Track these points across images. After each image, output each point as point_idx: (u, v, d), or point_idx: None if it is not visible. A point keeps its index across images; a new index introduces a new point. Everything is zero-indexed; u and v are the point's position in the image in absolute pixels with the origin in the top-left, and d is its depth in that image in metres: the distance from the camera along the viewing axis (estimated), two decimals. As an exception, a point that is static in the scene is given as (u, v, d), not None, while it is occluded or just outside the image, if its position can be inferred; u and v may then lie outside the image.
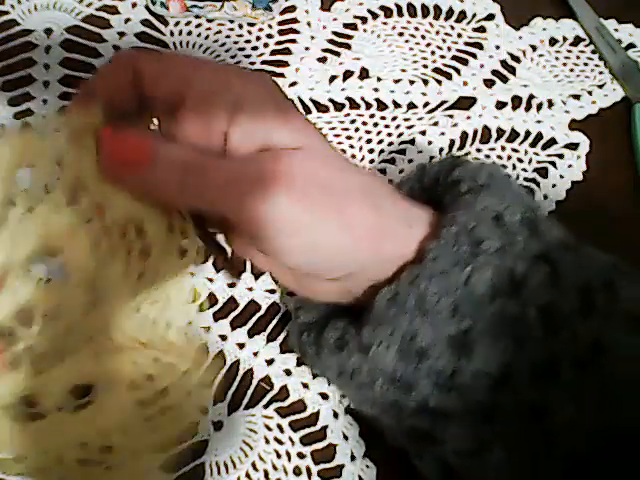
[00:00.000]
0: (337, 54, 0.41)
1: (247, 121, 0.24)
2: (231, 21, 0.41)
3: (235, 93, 0.25)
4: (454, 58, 0.43)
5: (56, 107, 0.36)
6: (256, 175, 0.24)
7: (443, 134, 0.40)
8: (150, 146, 0.24)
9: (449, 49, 0.43)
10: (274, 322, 0.34)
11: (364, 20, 0.43)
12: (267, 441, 0.31)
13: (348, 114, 0.40)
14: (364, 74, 0.41)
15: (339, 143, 0.39)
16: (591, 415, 0.25)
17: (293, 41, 0.41)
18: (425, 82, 0.42)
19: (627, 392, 0.26)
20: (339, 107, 0.40)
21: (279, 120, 0.25)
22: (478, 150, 0.40)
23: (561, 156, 0.41)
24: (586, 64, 0.44)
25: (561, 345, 0.25)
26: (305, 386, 0.33)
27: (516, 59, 0.43)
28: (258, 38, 0.41)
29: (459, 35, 0.43)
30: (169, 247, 0.25)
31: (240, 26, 0.41)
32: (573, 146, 0.41)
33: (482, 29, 0.44)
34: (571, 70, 0.44)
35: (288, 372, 0.33)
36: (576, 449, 0.25)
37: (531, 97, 0.42)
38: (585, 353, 0.25)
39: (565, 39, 0.45)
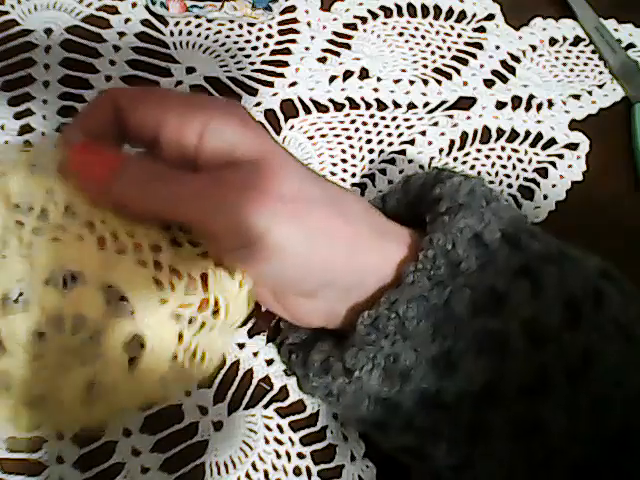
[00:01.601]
0: (337, 54, 0.41)
1: (213, 136, 0.25)
2: (231, 21, 0.41)
3: (200, 119, 0.26)
4: (454, 58, 0.43)
5: (56, 107, 0.36)
6: (219, 185, 0.25)
7: (443, 134, 0.40)
8: (116, 155, 0.26)
9: (449, 49, 0.43)
10: (274, 322, 0.34)
11: (364, 20, 0.43)
12: (267, 441, 0.31)
13: (348, 114, 0.40)
14: (364, 74, 0.41)
15: (339, 143, 0.39)
16: (585, 424, 0.25)
17: (293, 41, 0.41)
18: (425, 82, 0.42)
19: (618, 399, 0.26)
20: (339, 107, 0.40)
21: (243, 134, 0.26)
22: (478, 150, 0.40)
23: (561, 156, 0.41)
24: (586, 64, 0.44)
25: (549, 358, 0.26)
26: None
27: (516, 59, 0.43)
28: (258, 38, 0.41)
29: (459, 35, 0.43)
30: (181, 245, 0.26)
31: (240, 26, 0.41)
32: (573, 146, 0.41)
33: (482, 29, 0.44)
34: (571, 70, 0.44)
35: (288, 372, 0.33)
36: (575, 458, 0.26)
37: (531, 97, 0.42)
38: (576, 363, 0.26)
39: (565, 39, 0.45)
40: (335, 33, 0.42)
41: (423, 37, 0.43)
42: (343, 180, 0.38)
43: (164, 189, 0.25)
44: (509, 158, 0.40)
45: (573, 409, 0.25)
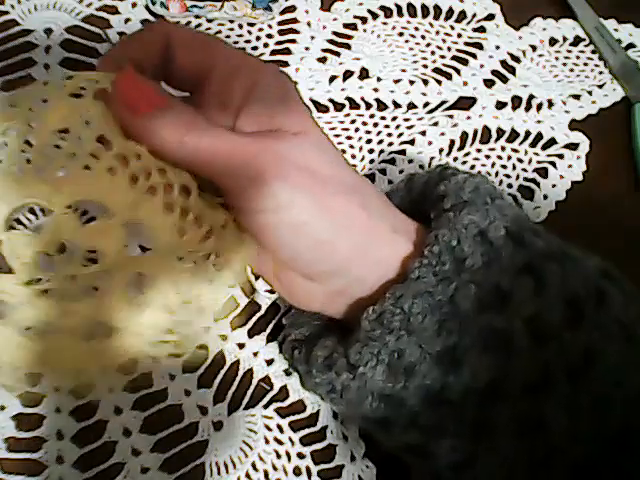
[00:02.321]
0: (337, 54, 0.41)
1: (257, 102, 0.25)
2: (231, 21, 0.41)
3: (250, 77, 0.26)
4: (454, 58, 0.43)
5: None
6: (250, 148, 0.24)
7: (443, 134, 0.40)
8: (163, 94, 0.25)
9: (449, 49, 0.43)
10: (274, 322, 0.34)
11: (364, 20, 0.43)
12: (267, 441, 0.31)
13: (348, 114, 0.40)
14: (364, 74, 0.41)
15: (339, 143, 0.39)
16: (586, 423, 0.25)
17: (293, 41, 0.41)
18: (425, 82, 0.42)
19: (618, 399, 0.26)
20: (339, 107, 0.40)
21: (284, 107, 0.26)
22: (478, 150, 0.40)
23: (561, 156, 0.41)
24: (586, 64, 0.44)
25: (552, 356, 0.26)
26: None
27: (516, 59, 0.43)
28: (258, 38, 0.41)
29: (459, 35, 0.43)
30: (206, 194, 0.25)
31: (240, 26, 0.41)
32: (573, 146, 0.41)
33: (482, 29, 0.44)
34: (571, 70, 0.44)
35: (288, 372, 0.33)
36: (576, 458, 0.26)
37: (531, 97, 0.42)
38: (577, 362, 0.26)
39: (565, 39, 0.45)
40: (335, 33, 0.42)
41: (423, 37, 0.43)
42: (343, 180, 0.38)
43: (200, 141, 0.24)
44: (509, 158, 0.40)
45: (574, 408, 0.25)
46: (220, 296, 0.26)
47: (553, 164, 0.41)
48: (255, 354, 0.33)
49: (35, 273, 0.23)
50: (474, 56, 0.43)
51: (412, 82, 0.41)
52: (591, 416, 0.26)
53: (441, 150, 0.40)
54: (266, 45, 0.41)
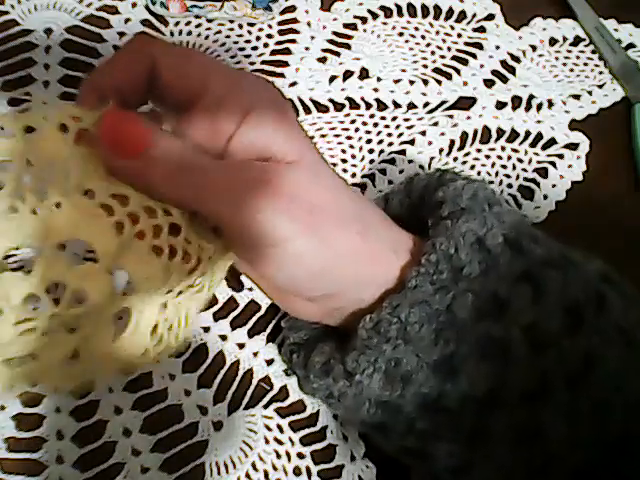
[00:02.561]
0: (337, 54, 0.41)
1: (252, 128, 0.24)
2: (231, 21, 0.41)
3: (245, 100, 0.25)
4: (454, 58, 0.43)
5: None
6: (248, 182, 0.24)
7: (443, 134, 0.40)
8: (150, 131, 0.24)
9: (449, 49, 0.43)
10: (274, 322, 0.34)
11: (364, 20, 0.43)
12: (267, 441, 0.31)
13: (348, 114, 0.40)
14: (364, 74, 0.41)
15: (339, 143, 0.39)
16: (585, 429, 0.25)
17: (293, 41, 0.41)
18: (425, 82, 0.42)
19: (618, 404, 0.26)
20: (339, 107, 0.40)
21: (278, 133, 0.25)
22: (478, 150, 0.40)
23: (561, 156, 0.41)
24: (586, 64, 0.44)
25: (550, 364, 0.25)
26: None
27: (516, 59, 0.43)
28: (258, 38, 0.41)
29: (459, 35, 0.43)
30: (195, 230, 0.25)
31: (240, 26, 0.41)
32: (573, 146, 0.41)
33: (482, 29, 0.44)
34: (571, 70, 0.44)
35: (288, 372, 0.33)
36: (575, 464, 0.26)
37: (531, 97, 0.42)
38: (577, 368, 0.26)
39: (565, 39, 0.45)
40: (335, 33, 0.42)
41: (423, 37, 0.43)
42: (343, 180, 0.38)
43: (190, 180, 0.23)
44: (509, 158, 0.40)
45: (573, 414, 0.25)
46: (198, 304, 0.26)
47: (553, 164, 0.41)
48: (255, 354, 0.33)
49: (23, 314, 0.23)
50: (474, 56, 0.43)
51: (412, 82, 0.41)
52: (591, 422, 0.25)
53: (441, 150, 0.40)
54: (266, 45, 0.41)
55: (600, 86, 0.43)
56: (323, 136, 0.39)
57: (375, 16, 0.43)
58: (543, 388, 0.25)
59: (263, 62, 0.40)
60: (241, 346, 0.33)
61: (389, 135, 0.40)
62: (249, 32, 0.41)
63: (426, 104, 0.41)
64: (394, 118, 0.40)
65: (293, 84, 0.40)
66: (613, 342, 0.26)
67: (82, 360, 0.23)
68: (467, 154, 0.40)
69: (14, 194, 0.23)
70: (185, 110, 0.25)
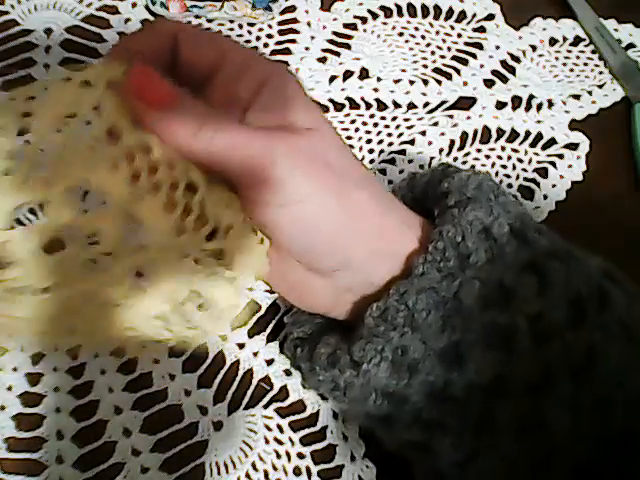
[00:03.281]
0: (337, 54, 0.41)
1: (266, 99, 0.25)
2: (231, 21, 0.41)
3: (259, 75, 0.25)
4: (454, 58, 0.43)
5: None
6: (265, 141, 0.24)
7: (443, 134, 0.40)
8: (176, 89, 0.24)
9: (449, 49, 0.43)
10: (274, 322, 0.34)
11: (364, 20, 0.43)
12: (267, 441, 0.31)
13: (348, 114, 0.40)
14: (364, 74, 0.41)
15: (339, 143, 0.39)
16: (587, 424, 0.25)
17: (293, 41, 0.41)
18: (425, 82, 0.42)
19: (620, 400, 0.26)
20: (339, 107, 0.40)
21: (294, 104, 0.25)
22: (478, 150, 0.40)
23: (561, 156, 0.41)
24: (586, 64, 0.44)
25: (554, 355, 0.26)
26: (305, 386, 0.33)
27: (516, 59, 0.43)
28: (258, 38, 0.41)
29: (459, 35, 0.43)
30: (215, 192, 0.25)
31: (240, 26, 0.41)
32: (573, 146, 0.41)
33: (482, 29, 0.44)
34: (571, 70, 0.44)
35: (288, 372, 0.33)
36: (577, 458, 0.26)
37: (531, 97, 0.42)
38: (580, 362, 0.26)
39: (565, 39, 0.45)
40: (335, 33, 0.42)
41: (423, 37, 0.43)
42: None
43: (214, 135, 0.23)
44: (509, 158, 0.40)
45: (576, 408, 0.25)
46: (235, 299, 0.26)
47: (553, 164, 0.41)
48: (255, 354, 0.33)
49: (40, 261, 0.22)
50: (474, 56, 0.43)
51: (412, 82, 0.41)
52: (593, 417, 0.26)
53: (441, 150, 0.40)
54: (266, 45, 0.41)
55: (600, 86, 0.43)
56: (323, 136, 0.39)
57: (375, 16, 0.43)
58: (547, 379, 0.25)
59: (263, 62, 0.40)
60: (241, 346, 0.33)
61: (389, 135, 0.40)
62: (249, 32, 0.41)
63: (426, 104, 0.41)
64: (394, 118, 0.40)
65: (293, 84, 0.40)
66: (615, 338, 0.26)
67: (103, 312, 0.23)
68: (467, 154, 0.40)
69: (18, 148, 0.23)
70: (202, 88, 0.26)
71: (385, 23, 0.43)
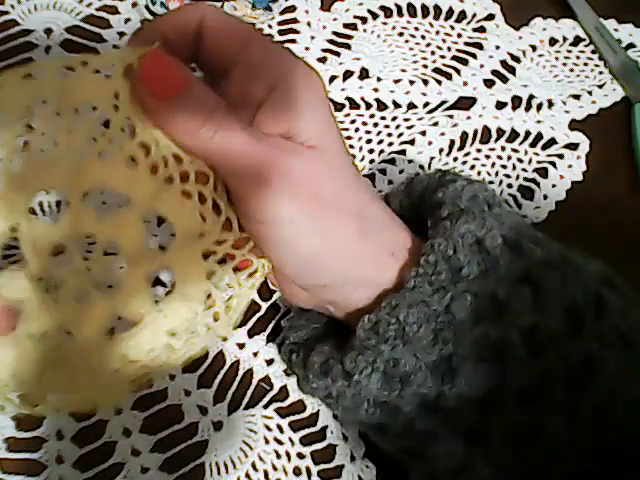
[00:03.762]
0: (337, 54, 0.41)
1: (278, 101, 0.24)
2: (231, 21, 0.41)
3: (278, 71, 0.24)
4: (454, 58, 0.43)
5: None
6: (261, 156, 0.23)
7: (443, 134, 0.40)
8: (188, 78, 0.23)
9: (449, 49, 0.43)
10: (274, 322, 0.34)
11: (364, 20, 0.43)
12: (267, 441, 0.31)
13: (348, 114, 0.40)
14: (364, 74, 0.41)
15: (339, 143, 0.39)
16: (585, 431, 0.25)
17: (293, 41, 0.41)
18: (425, 82, 0.42)
19: (618, 408, 0.26)
20: (339, 107, 0.40)
21: (304, 113, 0.25)
22: (478, 150, 0.40)
23: (561, 156, 0.41)
24: (586, 64, 0.44)
25: (550, 365, 0.25)
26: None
27: (516, 59, 0.43)
28: (258, 38, 0.41)
29: (459, 35, 0.43)
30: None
31: (240, 26, 0.41)
32: (573, 146, 0.41)
33: (482, 29, 0.44)
34: (571, 70, 0.44)
35: (288, 372, 0.33)
36: (575, 466, 0.26)
37: (531, 97, 0.42)
38: (578, 371, 0.25)
39: (565, 39, 0.45)
40: (335, 33, 0.42)
41: (423, 37, 0.43)
42: (343, 180, 0.38)
43: (215, 135, 0.23)
44: (509, 158, 0.40)
45: (573, 416, 0.25)
46: (243, 301, 0.26)
47: (553, 164, 0.41)
48: (255, 354, 0.33)
49: (47, 266, 0.22)
50: (474, 56, 0.43)
51: (412, 82, 0.41)
52: (590, 424, 0.25)
53: (441, 150, 0.40)
54: (266, 45, 0.41)
55: (600, 86, 0.43)
56: (323, 136, 0.39)
57: (375, 16, 0.43)
58: (543, 390, 0.25)
59: (263, 62, 0.40)
60: (241, 346, 0.33)
61: (389, 135, 0.40)
62: (249, 32, 0.41)
63: (426, 104, 0.41)
64: (394, 118, 0.40)
65: (293, 84, 0.40)
66: (613, 345, 0.26)
67: (117, 334, 0.22)
68: (467, 154, 0.40)
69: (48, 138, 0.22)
70: (223, 76, 0.25)
71: (385, 23, 0.43)
